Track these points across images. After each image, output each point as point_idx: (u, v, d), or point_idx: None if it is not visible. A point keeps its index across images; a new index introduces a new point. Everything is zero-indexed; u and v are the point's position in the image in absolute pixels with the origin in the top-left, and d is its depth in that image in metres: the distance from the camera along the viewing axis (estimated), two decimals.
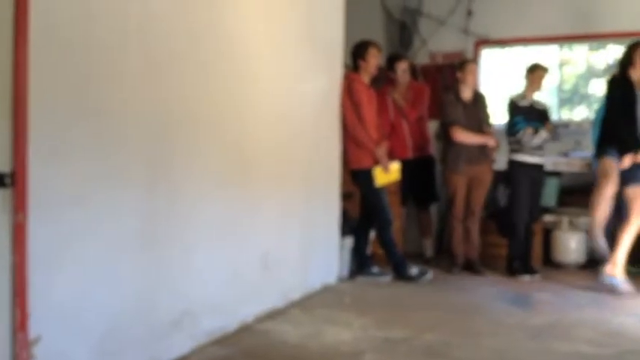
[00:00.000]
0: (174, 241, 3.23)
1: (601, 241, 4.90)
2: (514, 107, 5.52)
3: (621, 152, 4.79)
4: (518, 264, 5.47)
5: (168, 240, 3.19)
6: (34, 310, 2.39)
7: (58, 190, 2.54)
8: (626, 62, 4.87)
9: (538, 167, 5.51)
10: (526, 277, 5.37)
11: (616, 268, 4.83)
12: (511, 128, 5.52)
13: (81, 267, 2.65)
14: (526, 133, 5.40)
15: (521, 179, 5.48)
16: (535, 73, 5.49)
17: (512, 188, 5.56)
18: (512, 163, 5.53)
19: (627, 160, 4.76)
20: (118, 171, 2.85)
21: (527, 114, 5.46)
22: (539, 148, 5.47)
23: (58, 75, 2.53)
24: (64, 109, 2.56)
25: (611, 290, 4.79)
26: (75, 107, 2.61)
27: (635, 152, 4.76)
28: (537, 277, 5.39)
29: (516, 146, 5.49)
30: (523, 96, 5.54)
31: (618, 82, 4.90)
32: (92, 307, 2.70)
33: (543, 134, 5.42)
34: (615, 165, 4.80)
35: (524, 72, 5.57)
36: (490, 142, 5.55)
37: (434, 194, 6.14)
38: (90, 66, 2.69)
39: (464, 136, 5.48)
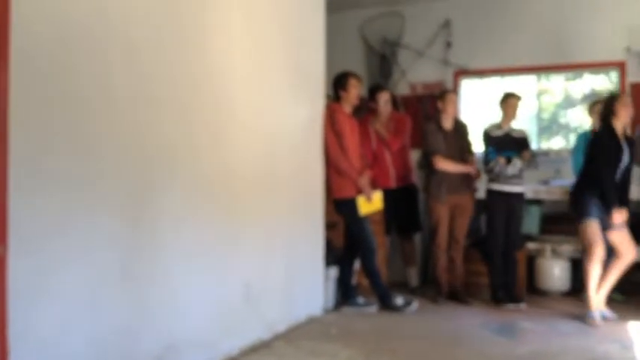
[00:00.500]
0: (155, 274, 3.18)
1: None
2: (487, 137, 5.59)
3: (608, 205, 4.81)
4: (502, 293, 5.47)
5: (149, 272, 3.14)
6: (14, 346, 2.33)
7: (38, 221, 2.50)
8: (608, 113, 4.91)
9: (516, 196, 5.53)
10: (510, 306, 5.36)
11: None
12: (484, 158, 5.59)
13: (61, 300, 2.60)
14: (498, 163, 5.45)
15: (497, 208, 5.51)
16: (508, 101, 5.56)
17: (488, 217, 5.60)
18: (489, 192, 5.57)
19: (618, 217, 4.80)
20: (98, 202, 2.81)
21: (500, 144, 5.51)
22: (517, 177, 5.50)
23: (38, 104, 2.51)
24: (43, 140, 2.53)
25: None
26: (55, 138, 2.59)
27: (620, 206, 4.81)
28: (522, 305, 5.38)
29: (492, 175, 5.53)
30: (498, 126, 5.60)
31: (604, 133, 4.92)
32: (73, 341, 2.64)
33: (517, 163, 5.46)
34: (598, 225, 4.82)
35: (498, 101, 5.64)
36: (471, 170, 5.59)
37: (417, 223, 6.15)
38: (71, 96, 2.68)
39: (446, 165, 5.51)
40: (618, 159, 4.83)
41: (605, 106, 5.01)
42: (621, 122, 4.88)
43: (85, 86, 2.74)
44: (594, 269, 4.78)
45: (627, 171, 4.90)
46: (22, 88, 2.39)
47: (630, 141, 4.95)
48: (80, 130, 2.72)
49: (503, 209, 5.49)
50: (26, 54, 2.42)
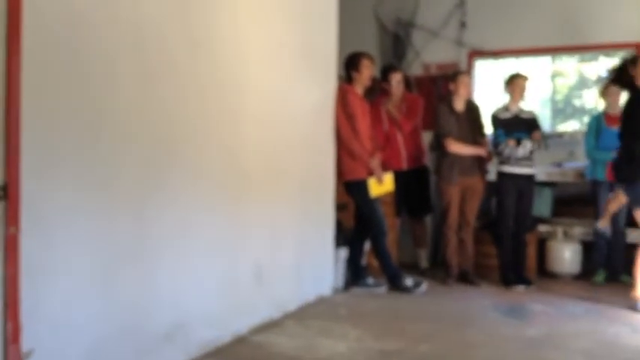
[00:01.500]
0: (166, 253, 3.22)
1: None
2: (495, 120, 5.56)
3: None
4: (512, 274, 5.47)
5: (160, 252, 3.18)
6: (25, 323, 2.38)
7: (51, 202, 2.53)
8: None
9: (526, 178, 5.50)
10: (520, 288, 5.37)
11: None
12: (494, 141, 5.56)
13: (72, 279, 2.64)
14: (508, 146, 5.42)
15: (507, 190, 5.49)
16: (514, 82, 5.51)
17: (498, 199, 5.59)
18: (499, 175, 5.55)
19: None
20: (110, 183, 2.84)
21: (508, 125, 5.47)
22: (527, 159, 5.47)
23: (50, 87, 2.54)
24: (56, 122, 2.57)
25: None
26: (67, 120, 2.62)
27: None
28: (532, 287, 5.38)
29: (502, 158, 5.50)
30: (506, 108, 5.55)
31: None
32: (83, 320, 2.69)
33: (527, 145, 5.42)
34: None
35: (504, 83, 5.59)
36: (482, 152, 5.57)
37: (428, 205, 6.14)
38: (83, 79, 2.70)
39: (457, 147, 5.49)
40: None
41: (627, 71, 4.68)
42: None
43: (91, 71, 2.75)
44: None
45: None
46: (34, 73, 2.42)
47: None
48: (93, 113, 2.75)
49: (513, 191, 5.47)
50: (38, 38, 2.44)
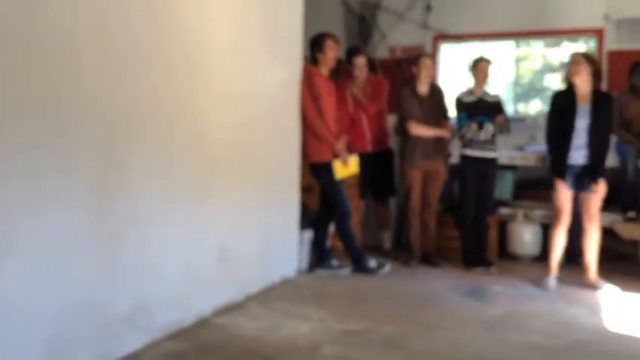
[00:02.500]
0: (128, 235, 3.17)
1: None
2: (458, 104, 5.60)
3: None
4: (473, 256, 5.54)
5: (122, 234, 3.13)
6: None
7: (7, 181, 2.47)
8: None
9: (488, 161, 5.55)
10: (480, 270, 5.45)
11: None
12: (457, 124, 5.61)
13: (31, 262, 2.59)
14: (470, 129, 5.47)
15: (469, 173, 5.55)
16: (478, 66, 5.55)
17: (460, 182, 5.65)
18: (462, 158, 5.60)
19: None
20: (68, 164, 2.78)
21: (472, 109, 5.51)
22: (489, 142, 5.51)
23: (7, 68, 2.46)
24: (14, 101, 2.49)
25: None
26: (25, 99, 2.55)
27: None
28: (492, 269, 5.46)
29: (464, 141, 5.55)
30: (470, 91, 5.59)
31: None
32: (41, 303, 2.64)
33: (490, 129, 5.47)
34: None
35: (468, 67, 5.63)
36: (445, 134, 5.60)
37: (392, 188, 6.18)
38: (44, 62, 2.63)
39: (419, 130, 5.52)
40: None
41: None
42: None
43: (52, 55, 2.68)
44: None
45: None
46: None
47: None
48: (51, 92, 2.68)
49: (475, 174, 5.53)
50: None
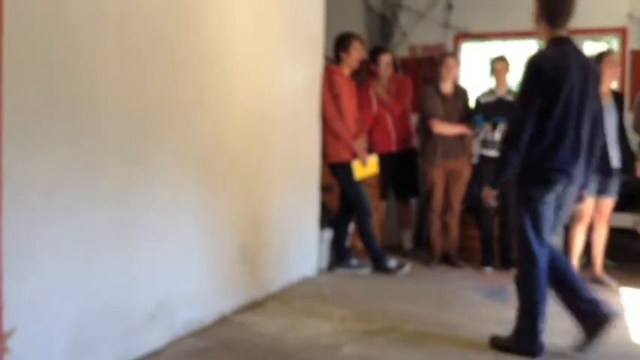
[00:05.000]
0: (150, 233, 3.20)
1: None
2: (477, 104, 5.60)
3: None
4: (487, 255, 5.50)
5: (144, 232, 3.16)
6: (6, 302, 2.36)
7: (32, 181, 2.50)
8: None
9: None
10: (488, 269, 5.43)
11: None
12: (473, 125, 5.59)
13: (54, 260, 2.61)
14: (483, 130, 5.44)
15: (487, 174, 5.50)
16: (494, 66, 5.53)
17: (479, 182, 5.61)
18: (480, 158, 5.57)
19: None
20: (92, 163, 2.81)
21: (489, 109, 5.48)
22: None
23: (30, 66, 2.49)
24: (37, 100, 2.52)
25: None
26: (48, 99, 2.57)
27: None
28: (512, 270, 5.41)
29: (480, 141, 5.52)
30: (491, 92, 5.56)
31: None
32: (65, 299, 2.67)
33: (503, 129, 5.43)
34: None
35: (489, 66, 5.60)
36: (467, 130, 5.56)
37: (415, 187, 6.16)
38: (67, 58, 2.65)
39: (442, 128, 5.50)
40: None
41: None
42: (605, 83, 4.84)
43: (75, 51, 2.71)
44: None
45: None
46: (13, 50, 2.36)
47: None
48: (74, 92, 2.70)
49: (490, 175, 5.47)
50: (18, 12, 2.40)
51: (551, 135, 3.21)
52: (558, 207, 3.36)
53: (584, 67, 3.30)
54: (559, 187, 3.27)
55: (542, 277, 3.29)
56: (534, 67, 3.26)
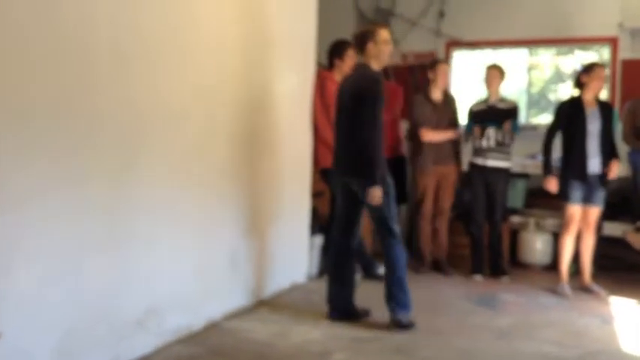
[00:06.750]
0: (138, 238, 3.18)
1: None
2: (470, 113, 5.62)
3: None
4: (476, 263, 5.52)
5: (132, 237, 3.14)
6: None
7: (19, 186, 2.48)
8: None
9: (495, 170, 5.46)
10: (478, 277, 5.44)
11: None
12: (465, 133, 5.64)
13: (43, 264, 2.60)
14: (472, 135, 5.46)
15: (476, 181, 5.53)
16: (487, 73, 5.53)
17: (470, 190, 5.64)
18: (470, 166, 5.59)
19: None
20: (80, 168, 2.80)
21: (480, 117, 5.50)
22: (497, 151, 5.45)
23: (20, 73, 2.48)
24: (27, 107, 2.51)
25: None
26: (37, 104, 2.56)
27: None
28: (505, 278, 5.42)
29: (473, 149, 5.55)
30: (484, 100, 5.58)
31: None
32: (55, 305, 2.65)
33: (491, 135, 5.43)
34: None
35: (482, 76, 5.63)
36: (455, 135, 5.57)
37: (404, 194, 6.16)
38: (57, 59, 2.64)
39: (431, 136, 5.51)
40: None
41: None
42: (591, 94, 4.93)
43: (65, 53, 2.69)
44: None
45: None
46: (3, 53, 2.35)
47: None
48: (63, 97, 2.69)
49: (481, 183, 5.50)
50: (6, 16, 2.38)
51: None
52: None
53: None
54: None
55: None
56: None
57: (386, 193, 3.93)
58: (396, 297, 3.90)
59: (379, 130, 3.86)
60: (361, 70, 4.00)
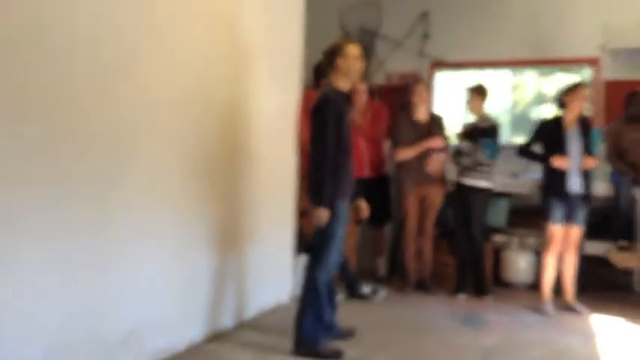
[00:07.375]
0: (122, 260, 3.17)
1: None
2: (458, 134, 5.71)
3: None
4: (460, 282, 5.54)
5: (116, 258, 3.13)
6: None
7: (4, 205, 2.47)
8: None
9: (475, 190, 5.50)
10: (462, 296, 5.45)
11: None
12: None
13: (25, 286, 2.58)
14: (458, 157, 5.57)
15: (457, 201, 5.58)
16: (467, 95, 5.60)
17: (453, 209, 5.68)
18: (457, 185, 5.65)
19: None
20: (66, 183, 2.79)
21: (463, 137, 5.60)
22: (476, 170, 5.50)
23: (6, 87, 2.48)
24: (9, 117, 2.50)
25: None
26: (20, 114, 2.56)
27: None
28: (487, 297, 5.43)
29: (459, 169, 5.63)
30: (469, 124, 5.64)
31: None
32: (38, 325, 2.63)
33: (464, 153, 5.52)
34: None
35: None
36: (432, 144, 5.55)
37: (388, 213, 6.18)
38: (39, 78, 2.65)
39: (403, 154, 5.54)
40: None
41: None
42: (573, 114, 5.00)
43: (49, 72, 2.70)
44: None
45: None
46: None
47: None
48: (46, 108, 2.70)
49: (462, 202, 5.54)
50: None
51: None
52: None
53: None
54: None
55: None
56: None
57: (334, 218, 3.76)
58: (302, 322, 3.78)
59: (342, 151, 3.79)
60: (324, 88, 3.96)
